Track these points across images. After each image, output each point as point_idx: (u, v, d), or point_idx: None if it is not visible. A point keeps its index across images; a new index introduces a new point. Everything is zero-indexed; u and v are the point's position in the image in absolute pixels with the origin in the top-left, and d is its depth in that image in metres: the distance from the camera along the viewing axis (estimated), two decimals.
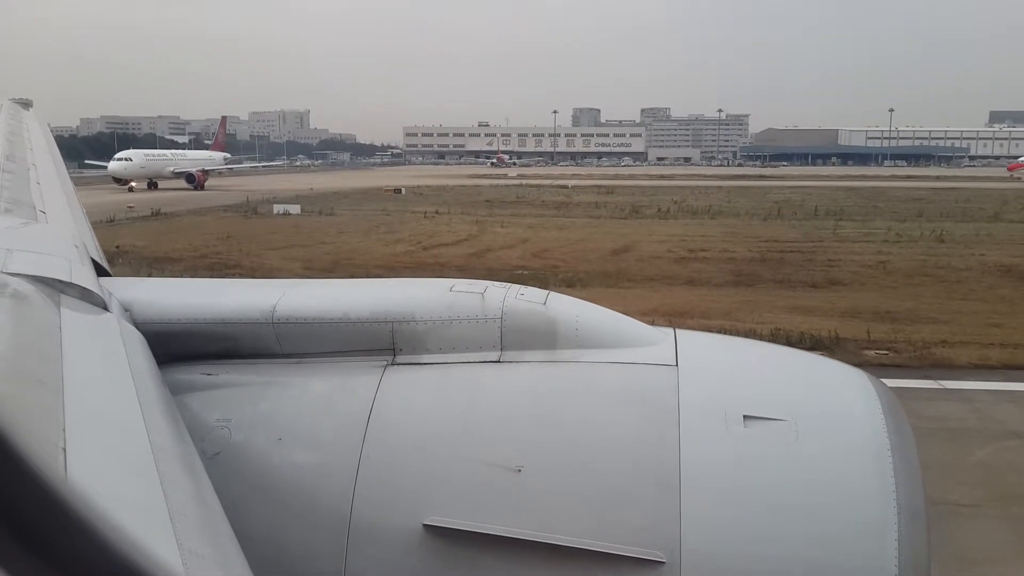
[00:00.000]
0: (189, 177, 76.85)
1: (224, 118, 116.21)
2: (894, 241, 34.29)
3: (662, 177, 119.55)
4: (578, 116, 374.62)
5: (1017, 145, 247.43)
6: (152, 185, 74.68)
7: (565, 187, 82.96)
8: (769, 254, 30.08)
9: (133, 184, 67.46)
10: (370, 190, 73.06)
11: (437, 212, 48.23)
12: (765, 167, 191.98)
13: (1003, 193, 70.68)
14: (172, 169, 79.49)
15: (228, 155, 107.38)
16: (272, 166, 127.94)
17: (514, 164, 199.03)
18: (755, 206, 54.78)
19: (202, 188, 74.52)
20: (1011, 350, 15.49)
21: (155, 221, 42.34)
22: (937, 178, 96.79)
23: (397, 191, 69.46)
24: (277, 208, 47.57)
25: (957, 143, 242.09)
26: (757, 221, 44.68)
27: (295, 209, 47.23)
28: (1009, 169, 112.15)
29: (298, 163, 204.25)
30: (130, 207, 45.14)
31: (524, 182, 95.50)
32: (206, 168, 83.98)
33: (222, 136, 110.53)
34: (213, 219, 43.66)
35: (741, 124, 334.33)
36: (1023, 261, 27.87)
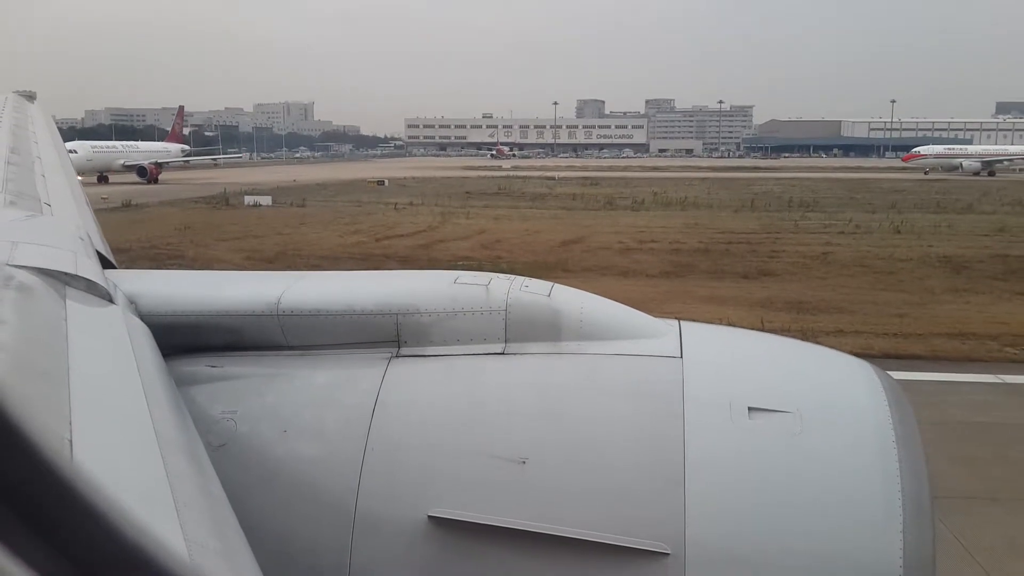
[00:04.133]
0: (140, 171, 71.49)
1: (181, 107, 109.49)
2: (850, 233, 34.35)
3: (655, 169, 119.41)
4: (582, 108, 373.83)
5: (1022, 136, 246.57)
6: (102, 179, 69.64)
7: (551, 179, 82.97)
8: (717, 245, 30.22)
9: (80, 179, 65.23)
10: (354, 182, 73.31)
11: (411, 203, 48.49)
12: (766, 158, 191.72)
13: (986, 185, 70.50)
14: (123, 162, 74.30)
15: (186, 147, 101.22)
16: (234, 158, 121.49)
17: (514, 156, 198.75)
18: (732, 198, 54.84)
19: (155, 182, 70.01)
20: (896, 339, 15.68)
21: (122, 212, 42.67)
22: (928, 170, 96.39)
23: (380, 183, 69.65)
24: (248, 200, 47.93)
25: (961, 134, 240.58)
26: (726, 213, 44.75)
27: (266, 201, 47.57)
28: (904, 159, 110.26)
29: (298, 155, 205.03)
30: (103, 198, 45.52)
31: (514, 174, 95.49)
32: (159, 161, 79.15)
33: (179, 127, 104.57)
34: (180, 210, 43.98)
35: (745, 115, 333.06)
36: (970, 252, 28.00)
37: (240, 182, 67.51)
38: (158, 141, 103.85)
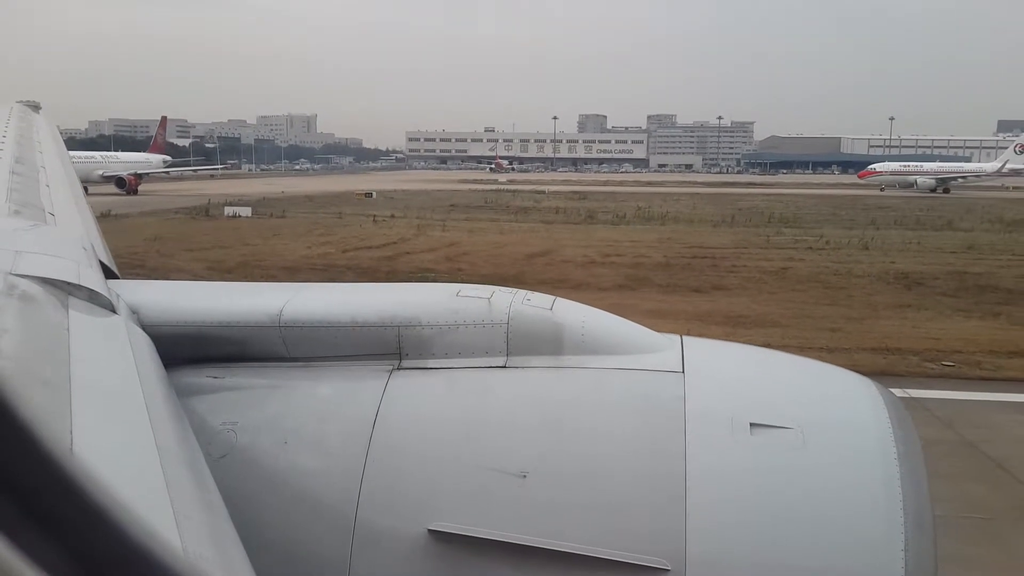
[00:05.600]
0: (119, 181, 71.17)
1: (164, 118, 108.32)
2: (818, 249, 34.52)
3: (650, 184, 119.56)
4: (584, 122, 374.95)
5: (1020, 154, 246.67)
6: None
7: (541, 192, 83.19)
8: (680, 260, 30.40)
9: None
10: (343, 194, 73.61)
11: (392, 216, 48.75)
12: (765, 174, 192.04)
13: (976, 202, 70.58)
14: (101, 173, 72.99)
15: (168, 158, 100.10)
16: (210, 169, 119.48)
17: (512, 169, 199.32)
18: (715, 213, 55.01)
19: (134, 193, 69.71)
20: (819, 353, 15.78)
21: (101, 222, 42.91)
22: (883, 187, 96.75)
23: (368, 195, 69.95)
24: (228, 211, 48.22)
25: (961, 152, 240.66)
26: (704, 228, 44.94)
27: (246, 212, 47.89)
28: (859, 176, 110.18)
29: (297, 167, 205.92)
30: None
31: (506, 188, 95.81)
32: (139, 172, 78.94)
33: (161, 138, 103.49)
34: (158, 220, 44.27)
35: (746, 131, 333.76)
36: (931, 269, 28.15)
37: (228, 193, 67.92)
38: (139, 152, 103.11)
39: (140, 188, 73.81)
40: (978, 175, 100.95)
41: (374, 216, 47.88)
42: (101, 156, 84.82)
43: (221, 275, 24.99)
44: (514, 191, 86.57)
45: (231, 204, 50.97)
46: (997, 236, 40.95)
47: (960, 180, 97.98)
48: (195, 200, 58.60)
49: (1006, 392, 13.42)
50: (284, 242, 34.98)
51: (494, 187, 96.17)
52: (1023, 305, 21.54)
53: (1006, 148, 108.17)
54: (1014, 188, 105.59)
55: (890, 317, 19.84)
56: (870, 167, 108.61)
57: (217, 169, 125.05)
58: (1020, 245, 36.64)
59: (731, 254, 32.44)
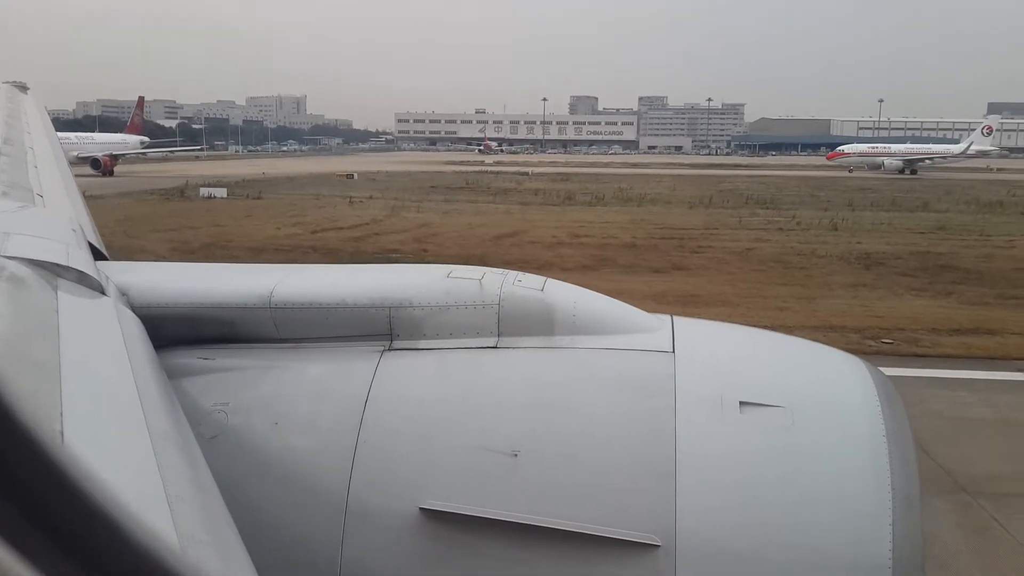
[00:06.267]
0: (94, 163, 70.49)
1: (141, 99, 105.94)
2: (788, 229, 34.65)
3: (636, 165, 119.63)
4: (575, 104, 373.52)
5: (1009, 136, 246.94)
6: None
7: (525, 174, 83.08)
8: (649, 241, 30.49)
9: None
10: (325, 175, 73.41)
11: (370, 197, 48.66)
12: (753, 156, 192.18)
13: (956, 183, 70.78)
14: (76, 154, 70.86)
15: (146, 139, 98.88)
16: (188, 150, 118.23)
17: (501, 151, 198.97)
18: (694, 195, 55.07)
19: (110, 174, 69.53)
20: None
21: None
22: (851, 169, 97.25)
23: (349, 176, 69.74)
24: (204, 192, 48.07)
25: (950, 134, 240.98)
26: (680, 209, 45.03)
27: (221, 193, 47.72)
28: (828, 158, 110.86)
29: (284, 148, 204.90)
30: None
31: (491, 169, 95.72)
32: (115, 153, 77.97)
33: (138, 118, 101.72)
34: (131, 201, 44.06)
35: (737, 113, 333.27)
36: (896, 249, 28.31)
37: (208, 175, 67.57)
38: (116, 132, 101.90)
39: (117, 169, 73.39)
40: (944, 156, 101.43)
41: (351, 197, 47.77)
42: (76, 137, 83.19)
43: (182, 255, 25.00)
44: (497, 172, 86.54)
45: (208, 185, 50.76)
46: (969, 217, 41.10)
47: (928, 161, 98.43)
48: (173, 181, 58.44)
49: (936, 368, 13.57)
50: (255, 223, 34.91)
51: (478, 168, 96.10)
52: (977, 284, 21.74)
53: (998, 130, 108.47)
54: (998, 169, 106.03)
55: (841, 296, 19.99)
56: (838, 148, 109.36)
57: (197, 150, 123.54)
58: (990, 226, 36.86)
59: (700, 235, 32.54)
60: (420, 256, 25.83)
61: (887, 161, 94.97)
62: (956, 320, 17.11)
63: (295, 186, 59.59)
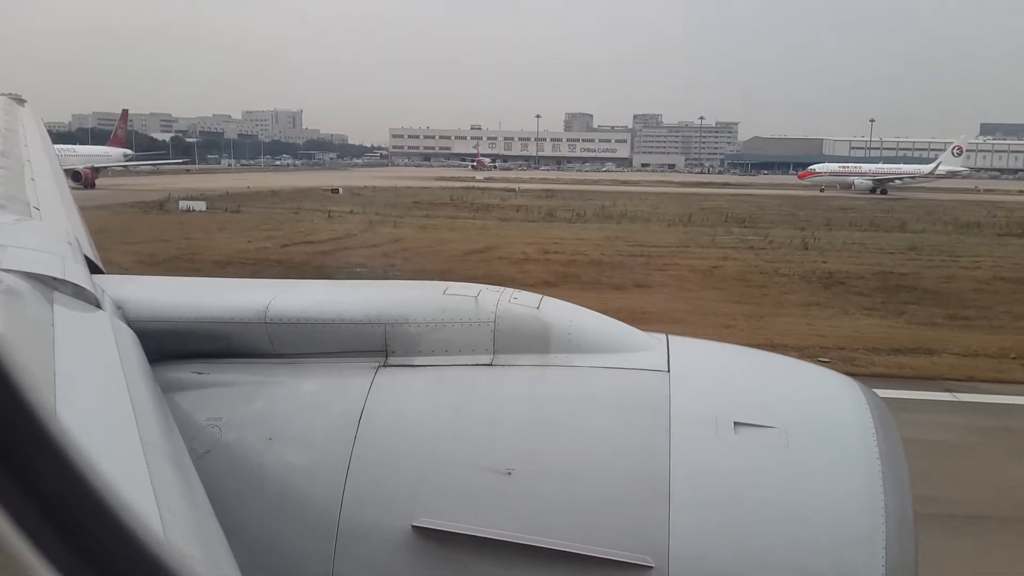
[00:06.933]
0: (75, 175, 68.99)
1: (125, 111, 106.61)
2: (758, 248, 34.93)
3: (625, 183, 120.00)
4: (570, 121, 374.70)
5: (1000, 158, 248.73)
6: None
7: (512, 190, 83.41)
8: (616, 258, 30.67)
9: None
10: (310, 189, 73.60)
11: (350, 212, 48.80)
12: (745, 175, 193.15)
13: (940, 204, 71.13)
14: None
15: (130, 151, 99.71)
16: (171, 164, 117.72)
17: (495, 167, 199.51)
18: (675, 213, 55.27)
19: (92, 187, 69.45)
20: None
21: None
22: (823, 188, 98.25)
23: (334, 191, 69.95)
24: (183, 205, 48.22)
25: (941, 154, 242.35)
26: (658, 227, 45.27)
27: (200, 206, 47.94)
28: (799, 177, 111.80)
29: (278, 162, 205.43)
30: None
31: (480, 185, 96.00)
32: (97, 166, 77.78)
33: (122, 131, 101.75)
34: (108, 214, 43.87)
35: (730, 132, 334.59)
36: (860, 269, 28.51)
37: (192, 188, 67.73)
38: (100, 145, 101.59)
39: (100, 182, 73.31)
40: (914, 177, 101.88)
41: (330, 212, 47.93)
42: (58, 149, 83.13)
43: (144, 268, 25.03)
44: (484, 188, 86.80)
45: (189, 199, 50.89)
46: (944, 238, 41.39)
47: (898, 181, 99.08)
48: (156, 195, 58.46)
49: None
50: (226, 236, 35.03)
51: (467, 184, 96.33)
52: (932, 304, 21.93)
53: (988, 151, 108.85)
54: (986, 191, 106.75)
55: (791, 315, 20.15)
56: (809, 168, 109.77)
57: (178, 163, 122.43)
58: (962, 247, 37.15)
59: (669, 253, 32.75)
60: (386, 272, 25.91)
61: (857, 181, 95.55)
62: (898, 340, 17.24)
63: (278, 200, 59.74)
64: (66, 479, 0.84)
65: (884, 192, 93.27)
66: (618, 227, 44.38)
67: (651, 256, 31.36)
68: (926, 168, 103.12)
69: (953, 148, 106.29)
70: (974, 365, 15.28)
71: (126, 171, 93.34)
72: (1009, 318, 20.39)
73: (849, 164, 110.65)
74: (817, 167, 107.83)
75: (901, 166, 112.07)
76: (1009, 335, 18.22)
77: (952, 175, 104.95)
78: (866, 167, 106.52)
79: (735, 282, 25.42)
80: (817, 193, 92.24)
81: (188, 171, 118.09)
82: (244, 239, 33.94)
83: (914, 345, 16.80)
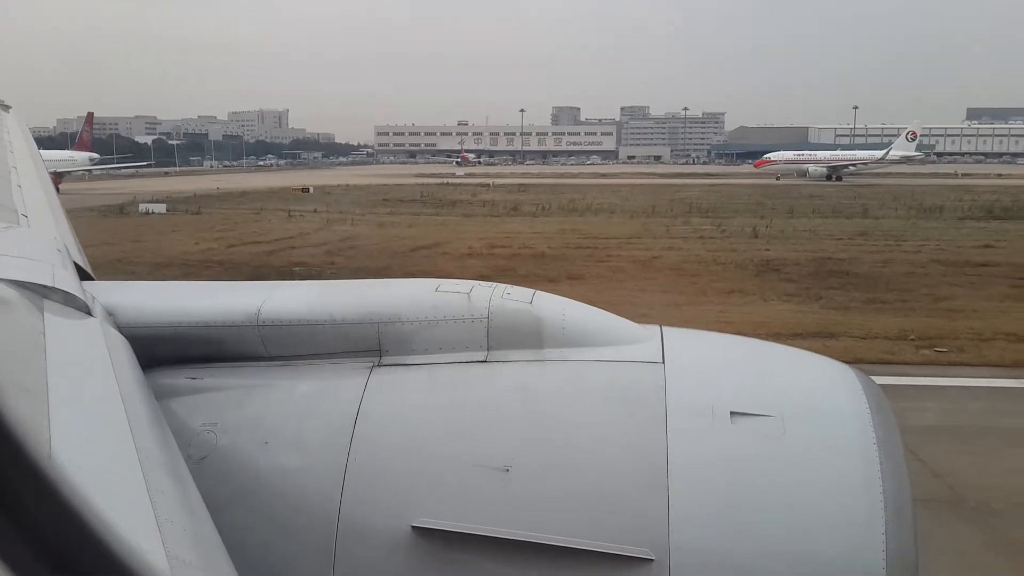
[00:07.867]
0: None
1: (90, 114, 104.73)
2: (708, 238, 35.05)
3: (604, 175, 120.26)
4: (558, 115, 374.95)
5: (985, 142, 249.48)
6: None
7: (486, 185, 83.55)
8: (562, 251, 30.76)
9: None
10: (281, 189, 73.61)
11: (313, 211, 48.86)
12: (730, 165, 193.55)
13: (913, 190, 71.38)
14: None
15: (96, 155, 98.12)
16: (136, 166, 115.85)
17: (479, 163, 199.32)
18: (642, 204, 55.44)
19: (56, 191, 69.94)
20: None
21: None
22: (779, 176, 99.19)
23: (304, 190, 70.05)
24: (143, 207, 48.24)
25: (927, 140, 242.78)
26: (619, 219, 45.39)
27: (160, 208, 48.01)
28: (755, 166, 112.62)
29: (262, 163, 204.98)
30: None
31: (456, 181, 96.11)
32: (60, 170, 76.11)
33: (87, 134, 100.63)
34: (70, 218, 44.14)
35: (717, 122, 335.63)
36: (798, 256, 28.66)
37: (161, 191, 67.74)
38: (65, 149, 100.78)
39: (65, 187, 72.45)
40: (866, 163, 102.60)
41: (290, 211, 47.99)
42: None
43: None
44: (458, 184, 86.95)
45: (151, 201, 50.87)
46: (900, 223, 41.56)
47: (851, 168, 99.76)
48: (120, 198, 58.39)
49: None
50: (176, 238, 35.06)
51: (443, 181, 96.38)
52: (854, 289, 22.08)
53: (971, 136, 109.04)
54: (964, 175, 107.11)
55: (710, 302, 20.29)
56: (765, 156, 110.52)
57: (143, 166, 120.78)
58: (916, 231, 37.37)
59: (618, 244, 32.87)
60: (324, 271, 25.98)
61: (812, 168, 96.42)
62: (804, 324, 17.42)
63: (244, 201, 59.72)
64: (60, 516, 0.82)
65: (839, 179, 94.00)
66: (578, 220, 44.49)
67: (597, 248, 31.47)
68: (879, 154, 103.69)
69: (907, 133, 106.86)
70: (867, 347, 15.43)
71: (107, 175, 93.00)
72: (927, 300, 20.58)
73: (804, 152, 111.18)
74: (772, 155, 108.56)
75: (856, 152, 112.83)
76: (919, 317, 18.40)
77: (907, 160, 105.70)
78: (820, 154, 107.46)
79: (670, 272, 25.54)
80: (792, 181, 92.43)
81: (167, 174, 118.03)
82: (191, 241, 33.95)
83: (817, 329, 16.97)
